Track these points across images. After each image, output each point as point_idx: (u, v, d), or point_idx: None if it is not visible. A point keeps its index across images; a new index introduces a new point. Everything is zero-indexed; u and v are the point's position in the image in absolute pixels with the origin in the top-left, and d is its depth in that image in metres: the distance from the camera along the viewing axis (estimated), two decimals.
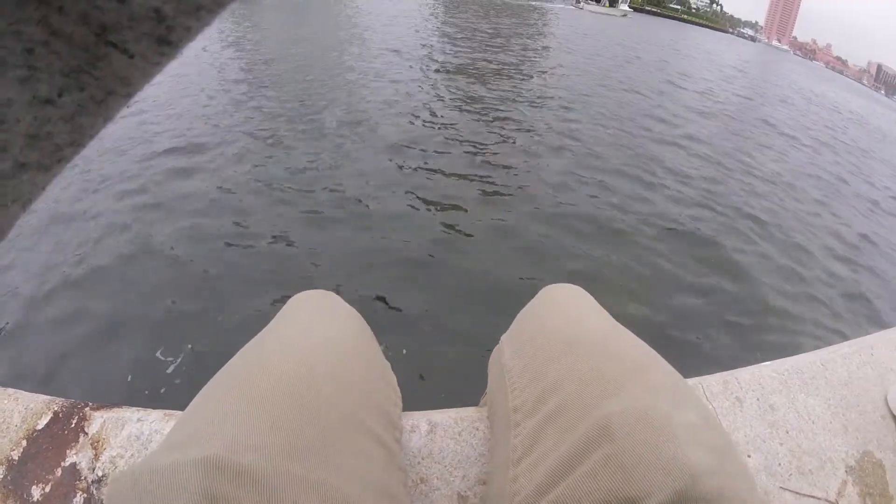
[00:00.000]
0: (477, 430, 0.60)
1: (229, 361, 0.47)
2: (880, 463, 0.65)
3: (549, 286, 0.63)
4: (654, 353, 0.48)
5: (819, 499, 0.59)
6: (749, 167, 4.64)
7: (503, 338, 0.61)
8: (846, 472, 0.63)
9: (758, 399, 0.68)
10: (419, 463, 0.58)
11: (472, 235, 2.54)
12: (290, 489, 0.33)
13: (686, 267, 2.62)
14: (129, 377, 1.71)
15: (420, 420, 0.61)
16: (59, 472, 0.58)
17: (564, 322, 0.54)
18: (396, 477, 0.46)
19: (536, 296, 0.63)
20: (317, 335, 0.49)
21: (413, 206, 2.75)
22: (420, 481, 0.56)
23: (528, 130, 4.56)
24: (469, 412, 0.63)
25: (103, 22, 0.10)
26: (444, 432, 0.60)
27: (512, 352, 0.56)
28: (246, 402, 0.38)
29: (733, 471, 0.36)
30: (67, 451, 0.60)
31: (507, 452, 0.49)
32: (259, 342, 0.49)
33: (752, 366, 0.73)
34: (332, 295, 0.59)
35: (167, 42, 0.12)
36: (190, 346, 1.81)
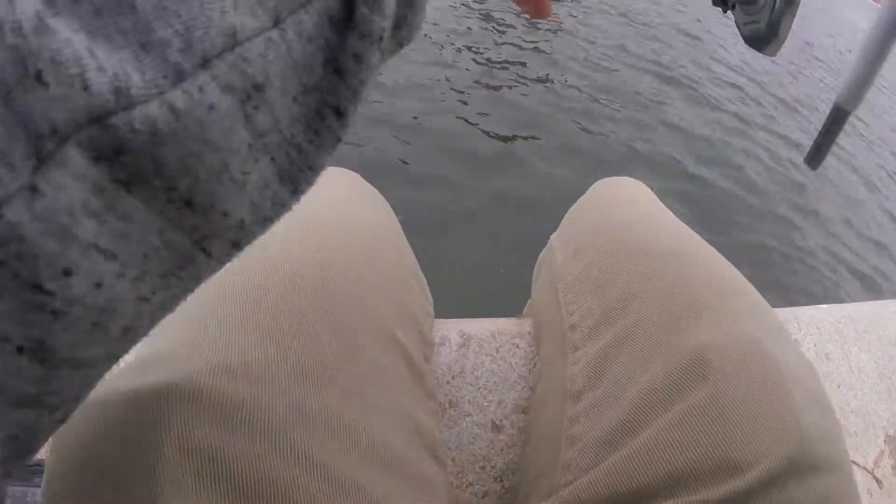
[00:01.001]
0: (517, 346, 0.50)
1: None
2: None
3: (605, 180, 0.51)
4: (735, 270, 0.37)
5: (859, 466, 0.55)
6: None
7: (553, 238, 0.49)
8: (885, 441, 0.59)
9: (815, 345, 0.61)
10: (448, 383, 0.47)
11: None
12: (289, 426, 0.25)
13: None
14: None
15: (451, 330, 0.49)
16: None
17: (629, 222, 0.42)
18: (426, 406, 0.35)
19: (590, 190, 0.51)
20: (332, 218, 0.36)
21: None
22: (448, 405, 0.46)
23: None
24: (508, 325, 0.51)
25: (205, 232, 0.12)
26: (478, 347, 0.49)
27: (566, 256, 0.44)
28: (232, 303, 0.28)
29: (837, 435, 0.30)
30: None
31: (563, 382, 0.38)
32: None
33: (811, 306, 0.66)
34: (352, 173, 0.45)
35: (238, 246, 0.14)
36: None
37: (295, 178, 0.14)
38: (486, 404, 0.47)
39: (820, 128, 0.28)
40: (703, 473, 0.26)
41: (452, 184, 1.71)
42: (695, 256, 0.37)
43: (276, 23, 0.12)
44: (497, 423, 0.46)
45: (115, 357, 0.12)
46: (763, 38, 0.25)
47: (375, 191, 0.46)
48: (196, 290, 0.25)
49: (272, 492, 0.22)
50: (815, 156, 0.28)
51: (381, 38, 0.14)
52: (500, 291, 1.27)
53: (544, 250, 0.51)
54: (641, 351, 0.33)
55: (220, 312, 0.28)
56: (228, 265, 0.31)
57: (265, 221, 0.14)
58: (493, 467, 0.44)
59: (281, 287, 0.29)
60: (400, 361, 0.33)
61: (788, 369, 0.29)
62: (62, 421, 0.12)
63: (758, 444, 0.26)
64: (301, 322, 0.28)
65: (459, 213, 1.62)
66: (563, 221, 0.51)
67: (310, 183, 0.15)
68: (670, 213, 0.44)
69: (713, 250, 0.39)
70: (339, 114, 0.14)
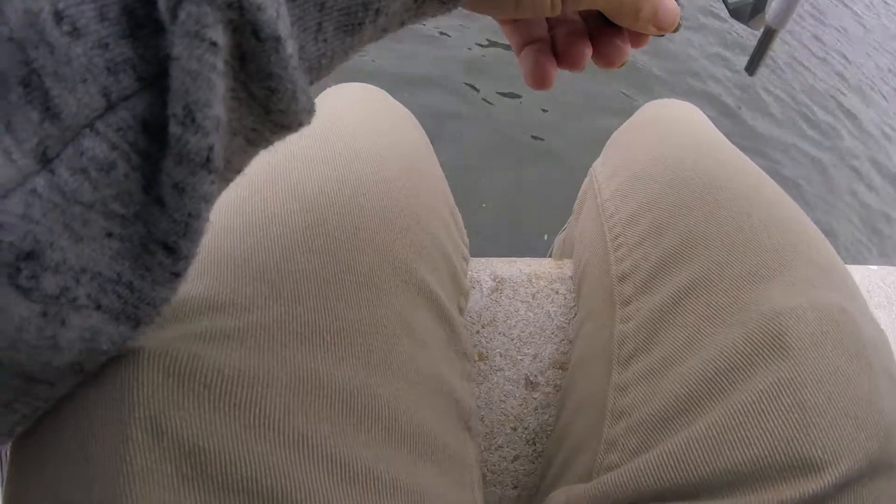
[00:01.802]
0: (556, 293, 0.43)
1: None
2: None
3: (654, 102, 0.44)
4: (806, 216, 0.31)
5: None
6: None
7: (596, 167, 0.42)
8: None
9: None
10: (478, 332, 0.40)
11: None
12: (293, 403, 0.19)
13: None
14: None
15: (482, 272, 0.42)
16: None
17: (688, 153, 0.34)
18: (460, 369, 0.30)
19: (637, 113, 0.43)
20: (356, 140, 0.30)
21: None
22: (478, 358, 0.39)
23: None
24: (546, 266, 0.44)
25: (47, 396, 0.14)
26: (512, 292, 0.42)
27: (614, 190, 0.37)
28: (228, 244, 0.23)
29: None
30: None
31: (609, 342, 0.31)
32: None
33: (862, 266, 0.59)
34: (376, 89, 0.38)
35: (81, 373, 0.14)
36: None
37: (133, 315, 0.13)
38: (519, 358, 0.40)
39: (755, 44, 0.33)
40: (772, 471, 0.22)
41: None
42: (765, 198, 0.31)
43: (45, 162, 0.10)
44: (532, 379, 0.40)
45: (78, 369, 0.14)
46: (749, 10, 0.26)
47: (404, 109, 0.38)
48: None
49: (268, 488, 0.17)
50: (752, 65, 0.33)
51: (208, 160, 0.11)
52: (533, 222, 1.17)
53: (586, 181, 0.44)
54: (705, 312, 0.27)
55: (212, 257, 0.21)
56: (234, 192, 0.25)
57: (108, 352, 0.14)
58: (526, 428, 0.39)
59: (289, 228, 0.23)
60: (431, 316, 0.27)
61: (872, 346, 0.24)
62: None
63: (837, 439, 0.21)
64: (313, 271, 0.22)
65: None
66: (606, 148, 0.43)
67: (154, 316, 0.14)
68: (730, 144, 0.37)
69: (782, 191, 0.33)
70: (170, 249, 0.13)
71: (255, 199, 0.24)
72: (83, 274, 0.11)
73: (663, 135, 0.38)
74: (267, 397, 0.18)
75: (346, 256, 0.23)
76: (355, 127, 0.30)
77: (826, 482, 0.21)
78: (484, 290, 0.42)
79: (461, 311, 0.33)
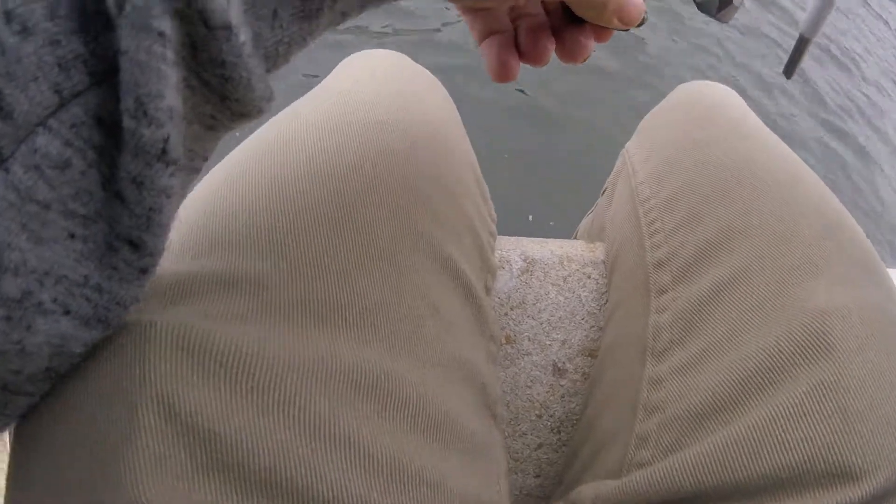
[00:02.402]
0: (588, 277, 0.41)
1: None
2: None
3: (690, 84, 0.42)
4: (845, 210, 0.31)
5: None
6: None
7: (630, 147, 0.40)
8: None
9: None
10: (506, 315, 0.38)
11: None
12: (314, 387, 0.17)
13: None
14: None
15: (512, 252, 0.40)
16: None
17: (728, 137, 0.33)
18: (487, 352, 0.29)
19: (673, 94, 0.41)
20: (379, 106, 0.28)
21: None
22: (505, 341, 0.38)
23: None
24: (579, 249, 0.42)
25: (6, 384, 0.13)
26: (543, 275, 0.40)
27: (650, 172, 0.35)
28: (248, 213, 0.21)
29: None
30: None
31: (643, 332, 0.30)
32: (284, 111, 0.29)
33: (891, 269, 0.56)
34: (400, 55, 0.37)
35: (57, 377, 0.14)
36: None
37: (104, 317, 0.13)
38: (548, 343, 0.38)
39: (790, 52, 0.36)
40: (811, 478, 0.21)
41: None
42: (806, 188, 0.29)
43: None
44: (560, 365, 0.38)
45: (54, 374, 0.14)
46: (717, 4, 0.26)
47: (430, 74, 0.36)
48: (216, 180, 0.24)
49: (288, 479, 0.16)
50: (789, 70, 0.36)
51: (164, 152, 0.11)
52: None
53: (619, 161, 0.42)
54: (746, 306, 0.26)
55: (225, 228, 0.20)
56: (247, 161, 0.25)
57: (81, 355, 0.14)
58: (552, 416, 0.37)
59: (306, 198, 0.22)
60: (457, 295, 0.26)
61: None
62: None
63: (877, 447, 0.21)
64: (332, 246, 0.21)
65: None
66: (640, 128, 0.41)
67: (123, 315, 0.14)
68: (768, 129, 0.35)
69: (822, 183, 0.31)
70: (134, 245, 0.12)
71: (271, 169, 0.23)
72: (47, 277, 0.11)
73: (699, 118, 0.36)
74: (287, 380, 0.17)
75: (367, 229, 0.22)
76: (377, 93, 0.28)
77: (864, 492, 0.20)
78: (514, 270, 0.40)
79: (488, 290, 0.32)
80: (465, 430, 0.23)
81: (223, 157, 0.26)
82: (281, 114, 0.28)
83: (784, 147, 0.33)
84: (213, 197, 0.22)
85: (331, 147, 0.24)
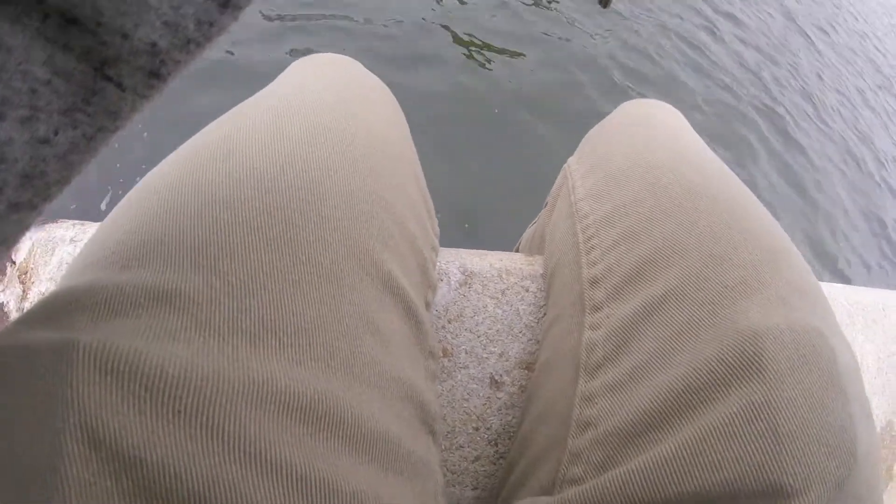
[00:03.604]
0: (527, 291, 0.42)
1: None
2: None
3: (633, 101, 0.43)
4: (781, 228, 0.30)
5: None
6: None
7: (571, 164, 0.40)
8: None
9: None
10: (443, 327, 0.38)
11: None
12: (245, 410, 0.17)
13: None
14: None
15: (451, 264, 0.41)
16: None
17: (667, 155, 0.33)
18: (426, 369, 0.28)
19: (616, 112, 0.42)
20: (323, 104, 0.28)
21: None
22: (442, 353, 0.38)
23: None
24: (517, 262, 0.43)
25: (104, 57, 0.10)
26: (481, 287, 0.41)
27: (589, 189, 0.35)
28: (179, 217, 0.21)
29: (878, 451, 0.25)
30: None
31: (577, 348, 0.30)
32: (229, 113, 0.28)
33: (826, 283, 0.61)
34: (350, 60, 0.36)
35: (157, 75, 0.12)
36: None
37: None
38: (485, 356, 0.39)
39: None
40: (742, 496, 0.21)
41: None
42: (745, 210, 0.30)
43: None
44: (497, 378, 0.38)
45: (25, 205, 0.11)
46: None
47: (380, 82, 0.36)
48: (152, 185, 0.22)
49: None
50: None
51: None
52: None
53: (560, 177, 0.42)
54: (678, 325, 0.26)
55: (157, 239, 0.19)
56: (184, 167, 0.24)
57: (189, 45, 0.11)
58: (489, 429, 0.37)
59: (244, 212, 0.21)
60: (397, 312, 0.25)
61: (846, 372, 0.24)
62: None
63: (809, 466, 0.21)
64: (269, 262, 0.20)
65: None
66: (582, 144, 0.42)
67: None
68: (711, 152, 0.36)
69: (764, 208, 0.32)
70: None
71: (208, 178, 0.22)
72: None
73: (643, 136, 0.37)
74: (216, 403, 0.16)
75: (307, 247, 0.21)
76: (322, 100, 0.28)
77: None
78: (452, 283, 0.40)
79: (428, 305, 0.31)
80: (402, 449, 0.22)
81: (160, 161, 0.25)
82: (225, 116, 0.28)
83: (726, 169, 0.34)
84: (147, 203, 0.21)
85: (272, 157, 0.23)
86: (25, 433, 0.14)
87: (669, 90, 1.96)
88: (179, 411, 0.15)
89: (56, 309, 0.17)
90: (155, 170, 0.25)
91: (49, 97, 0.10)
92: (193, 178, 0.22)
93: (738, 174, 0.34)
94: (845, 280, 1.77)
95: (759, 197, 0.32)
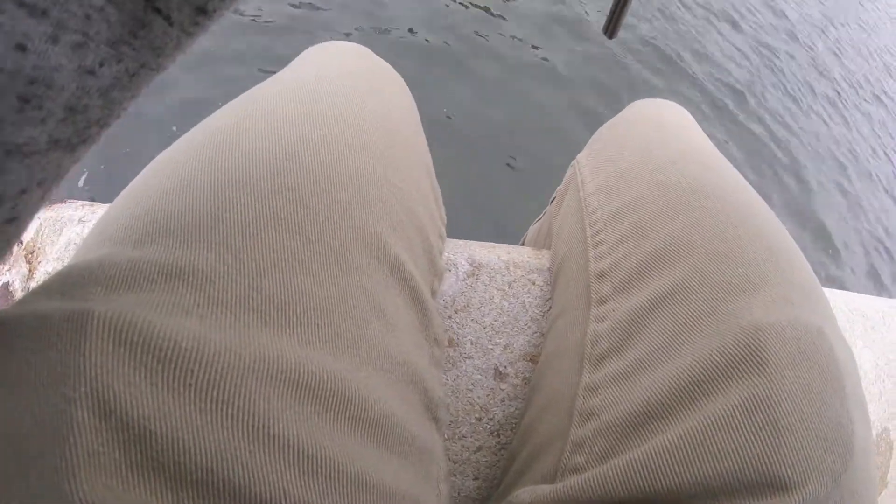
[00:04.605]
0: (533, 284, 0.42)
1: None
2: (891, 444, 0.60)
3: (643, 101, 0.43)
4: (786, 231, 0.31)
5: None
6: None
7: (581, 159, 0.41)
8: None
9: None
10: (450, 318, 0.39)
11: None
12: (256, 386, 0.17)
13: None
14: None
15: (459, 255, 0.41)
16: None
17: (676, 154, 0.34)
18: (432, 356, 0.29)
19: (626, 110, 0.42)
20: (336, 90, 0.28)
21: None
22: (448, 343, 0.38)
23: None
24: (525, 255, 0.43)
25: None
26: (489, 279, 0.41)
27: (598, 185, 0.36)
28: (190, 198, 0.21)
29: (873, 447, 0.25)
30: None
31: (582, 339, 0.30)
32: (242, 97, 0.28)
33: (826, 289, 0.61)
34: (365, 49, 0.35)
35: (204, 11, 0.11)
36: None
37: None
38: (490, 347, 0.39)
39: (611, 6, 0.32)
40: (741, 486, 0.21)
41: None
42: (751, 210, 0.30)
43: None
44: (501, 369, 0.39)
45: (64, 143, 0.10)
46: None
47: (393, 70, 0.36)
48: (166, 163, 0.22)
49: (225, 480, 0.15)
50: (610, 28, 0.32)
51: None
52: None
53: (569, 173, 0.43)
54: (683, 319, 0.26)
55: (171, 215, 0.20)
56: (199, 146, 0.24)
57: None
58: (491, 419, 0.37)
59: (257, 191, 0.21)
60: (403, 297, 0.26)
61: (845, 369, 0.24)
62: (11, 221, 0.11)
63: (808, 459, 0.21)
64: (280, 241, 0.20)
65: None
66: (591, 141, 0.42)
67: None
68: (718, 152, 0.37)
69: (769, 209, 0.32)
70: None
71: (222, 157, 0.22)
72: None
73: (652, 135, 0.37)
74: (227, 378, 0.16)
75: (317, 227, 0.21)
76: (336, 86, 0.28)
77: (794, 503, 0.20)
78: (460, 273, 0.40)
79: (434, 293, 0.32)
80: (406, 433, 0.22)
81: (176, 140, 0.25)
82: (238, 100, 0.28)
83: (732, 169, 0.34)
84: (161, 182, 0.21)
85: (285, 140, 0.23)
86: (36, 400, 0.14)
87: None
88: (190, 384, 0.15)
89: (71, 281, 0.17)
90: (169, 149, 0.25)
91: (100, 25, 0.10)
92: (207, 158, 0.22)
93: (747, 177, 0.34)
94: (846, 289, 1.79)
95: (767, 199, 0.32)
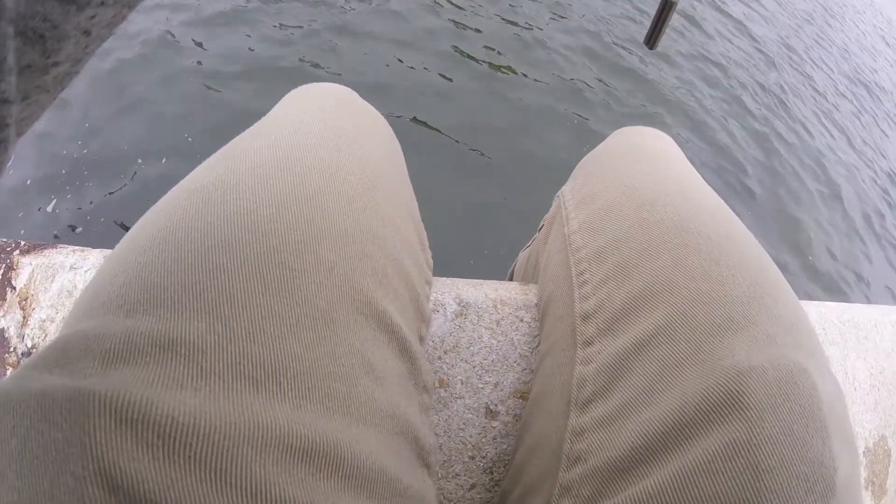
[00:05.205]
0: (521, 321, 0.43)
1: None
2: (889, 452, 0.61)
3: (626, 129, 0.43)
4: (772, 262, 0.31)
5: None
6: None
7: (564, 193, 0.41)
8: (863, 453, 0.58)
9: None
10: (439, 358, 0.40)
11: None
12: (251, 452, 0.18)
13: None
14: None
15: (446, 294, 0.42)
16: None
17: (662, 189, 0.34)
18: (421, 404, 0.28)
19: (609, 140, 0.42)
20: (318, 140, 0.29)
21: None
22: (438, 384, 0.39)
23: None
24: (512, 292, 0.45)
25: None
26: (477, 318, 0.42)
27: (582, 222, 0.36)
28: (173, 258, 0.22)
29: (859, 484, 0.26)
30: None
31: (568, 381, 0.31)
32: (224, 150, 0.29)
33: (817, 302, 0.62)
34: (347, 91, 0.36)
35: None
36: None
37: None
38: (481, 386, 0.40)
39: (653, 17, 0.33)
40: None
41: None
42: (734, 244, 0.30)
43: None
44: (492, 408, 0.40)
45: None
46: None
47: (376, 112, 0.37)
48: (151, 226, 0.23)
49: None
50: (652, 39, 0.33)
51: None
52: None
53: (554, 206, 0.43)
54: (666, 362, 0.27)
55: (161, 286, 0.21)
56: (183, 211, 0.24)
57: None
58: (484, 457, 0.39)
59: (242, 257, 0.22)
60: (391, 350, 0.26)
61: (828, 407, 0.24)
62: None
63: (789, 501, 0.21)
64: (268, 306, 0.21)
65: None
66: (575, 173, 0.43)
67: None
68: (703, 182, 0.37)
69: (750, 234, 0.32)
70: None
71: (205, 222, 0.23)
72: None
73: (636, 168, 0.37)
74: (224, 448, 0.17)
75: (304, 290, 0.22)
76: (317, 136, 0.29)
77: None
78: (448, 314, 0.41)
79: (422, 339, 0.32)
80: (399, 484, 0.23)
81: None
82: (220, 153, 0.28)
83: (717, 200, 0.34)
84: (148, 246, 0.22)
85: (268, 197, 0.24)
86: (45, 478, 0.15)
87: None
88: (190, 457, 0.17)
89: (68, 354, 0.18)
90: (153, 209, 0.25)
91: None
92: (191, 222, 0.23)
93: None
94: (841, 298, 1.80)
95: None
